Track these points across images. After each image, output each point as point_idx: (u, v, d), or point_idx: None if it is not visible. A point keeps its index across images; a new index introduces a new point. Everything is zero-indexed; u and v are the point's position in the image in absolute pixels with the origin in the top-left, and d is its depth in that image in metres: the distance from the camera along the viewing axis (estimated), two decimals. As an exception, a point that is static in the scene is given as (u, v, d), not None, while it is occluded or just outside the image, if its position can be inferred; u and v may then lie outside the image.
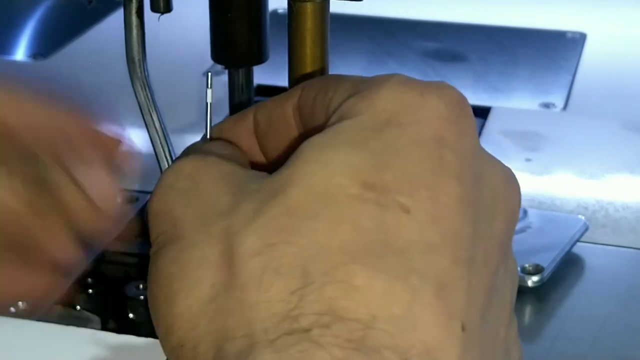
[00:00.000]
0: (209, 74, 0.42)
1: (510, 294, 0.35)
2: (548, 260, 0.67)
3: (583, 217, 0.72)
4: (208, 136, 0.40)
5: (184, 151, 0.38)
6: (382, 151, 0.32)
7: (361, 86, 0.34)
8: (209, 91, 0.41)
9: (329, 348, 0.29)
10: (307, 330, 0.29)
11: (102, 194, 0.45)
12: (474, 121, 0.34)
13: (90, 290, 0.69)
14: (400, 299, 0.30)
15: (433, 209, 0.31)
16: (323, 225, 0.31)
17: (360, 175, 0.31)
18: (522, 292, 0.66)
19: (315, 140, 0.33)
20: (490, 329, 0.33)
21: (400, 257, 0.30)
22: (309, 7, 0.47)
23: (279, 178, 0.32)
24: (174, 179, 0.35)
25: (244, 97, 0.54)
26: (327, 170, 0.31)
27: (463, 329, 0.30)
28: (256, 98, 0.93)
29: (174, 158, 0.54)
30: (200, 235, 0.32)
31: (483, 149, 0.35)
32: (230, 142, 0.39)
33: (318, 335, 0.29)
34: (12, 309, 0.64)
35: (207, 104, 0.41)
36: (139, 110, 0.54)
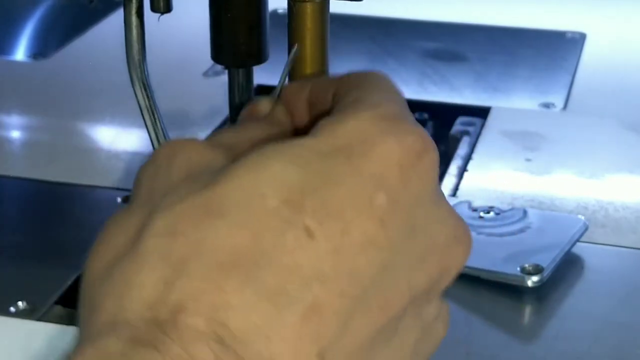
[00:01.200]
0: (295, 48, 0.45)
1: (416, 342, 0.36)
2: (548, 260, 0.67)
3: (583, 217, 0.72)
4: (277, 95, 0.43)
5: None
6: (317, 175, 0.33)
7: (348, 108, 0.36)
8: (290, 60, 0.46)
9: (159, 345, 0.30)
10: (159, 324, 0.31)
11: None
12: (433, 171, 0.35)
13: (90, 290, 0.69)
14: (261, 311, 0.31)
15: (339, 243, 0.32)
16: (226, 225, 0.32)
17: (285, 191, 0.32)
18: (522, 292, 0.66)
19: (268, 147, 0.34)
20: None
21: (280, 276, 0.31)
22: (308, 7, 0.47)
23: (221, 172, 0.33)
24: (156, 156, 0.36)
25: (244, 97, 0.54)
26: (258, 176, 0.33)
27: (322, 357, 0.32)
28: (256, 98, 0.93)
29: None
30: (138, 207, 0.34)
31: (440, 204, 0.36)
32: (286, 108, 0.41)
33: (160, 330, 0.30)
34: (12, 309, 0.64)
35: (286, 67, 0.45)
36: (139, 110, 0.54)
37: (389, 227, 0.33)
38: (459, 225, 0.37)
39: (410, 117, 0.37)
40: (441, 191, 0.37)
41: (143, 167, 0.36)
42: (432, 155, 0.35)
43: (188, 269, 0.31)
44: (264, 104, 0.42)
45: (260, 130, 0.39)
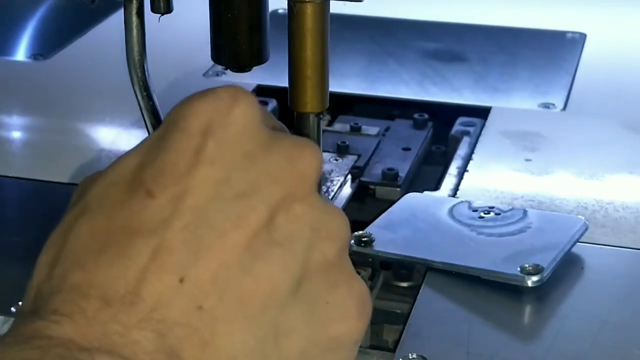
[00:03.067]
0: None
1: (311, 241, 0.40)
2: (548, 260, 0.67)
3: (583, 217, 0.72)
4: None
5: None
6: (153, 150, 0.39)
7: None
8: None
9: (35, 312, 0.37)
10: (42, 296, 0.38)
11: None
12: (252, 108, 0.40)
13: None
14: (116, 265, 0.37)
15: (175, 191, 0.38)
16: (88, 217, 0.39)
17: (130, 174, 0.39)
18: (522, 292, 0.66)
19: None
20: (256, 280, 0.39)
21: (130, 235, 0.38)
22: (309, 8, 0.47)
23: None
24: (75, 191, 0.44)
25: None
26: (113, 172, 0.40)
27: (181, 280, 0.37)
28: (256, 98, 0.93)
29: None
30: None
31: (273, 132, 0.41)
32: None
33: (35, 303, 0.38)
34: (13, 309, 0.65)
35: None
36: (139, 111, 0.54)
37: (220, 163, 0.39)
38: (296, 137, 0.42)
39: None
40: (275, 122, 0.43)
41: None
42: (248, 95, 0.41)
43: (58, 261, 0.38)
44: None
45: None
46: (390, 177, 0.83)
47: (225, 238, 0.38)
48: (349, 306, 0.42)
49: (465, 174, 0.82)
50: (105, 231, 0.38)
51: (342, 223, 0.42)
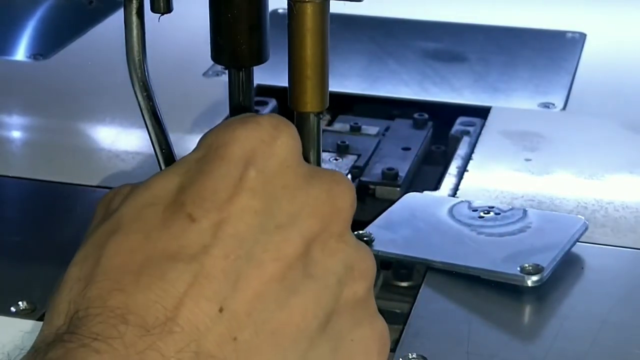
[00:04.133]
0: None
1: (341, 278, 0.41)
2: (548, 260, 0.67)
3: (583, 217, 0.72)
4: None
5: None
6: (193, 174, 0.40)
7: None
8: None
9: (68, 335, 0.36)
10: (71, 320, 0.37)
11: None
12: (293, 140, 0.41)
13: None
14: (155, 290, 0.37)
15: (217, 218, 0.38)
16: (122, 235, 0.39)
17: (169, 196, 0.39)
18: (522, 292, 0.66)
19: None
20: (289, 313, 0.39)
21: (169, 259, 0.37)
22: (309, 8, 0.47)
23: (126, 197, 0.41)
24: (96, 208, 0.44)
25: (244, 98, 0.54)
26: (149, 191, 0.40)
27: (221, 310, 0.37)
28: (256, 98, 0.93)
29: (175, 158, 0.54)
30: None
31: (309, 165, 0.42)
32: None
33: (70, 323, 0.37)
34: (13, 309, 0.65)
35: None
36: (139, 111, 0.54)
37: (260, 194, 0.39)
38: (333, 172, 0.43)
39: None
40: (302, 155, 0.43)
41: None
42: (289, 126, 0.41)
43: (94, 279, 0.38)
44: None
45: None
46: (390, 177, 0.83)
47: (262, 269, 0.38)
48: (370, 344, 0.43)
49: (465, 173, 0.82)
50: (143, 252, 0.38)
51: (372, 263, 0.43)
